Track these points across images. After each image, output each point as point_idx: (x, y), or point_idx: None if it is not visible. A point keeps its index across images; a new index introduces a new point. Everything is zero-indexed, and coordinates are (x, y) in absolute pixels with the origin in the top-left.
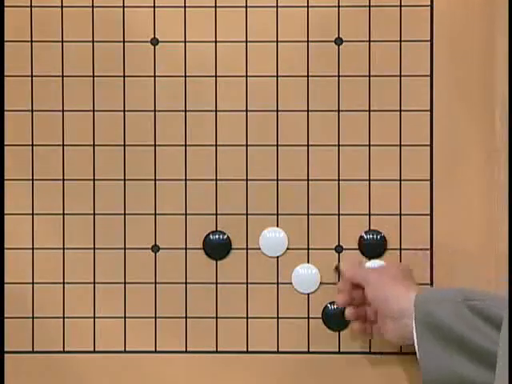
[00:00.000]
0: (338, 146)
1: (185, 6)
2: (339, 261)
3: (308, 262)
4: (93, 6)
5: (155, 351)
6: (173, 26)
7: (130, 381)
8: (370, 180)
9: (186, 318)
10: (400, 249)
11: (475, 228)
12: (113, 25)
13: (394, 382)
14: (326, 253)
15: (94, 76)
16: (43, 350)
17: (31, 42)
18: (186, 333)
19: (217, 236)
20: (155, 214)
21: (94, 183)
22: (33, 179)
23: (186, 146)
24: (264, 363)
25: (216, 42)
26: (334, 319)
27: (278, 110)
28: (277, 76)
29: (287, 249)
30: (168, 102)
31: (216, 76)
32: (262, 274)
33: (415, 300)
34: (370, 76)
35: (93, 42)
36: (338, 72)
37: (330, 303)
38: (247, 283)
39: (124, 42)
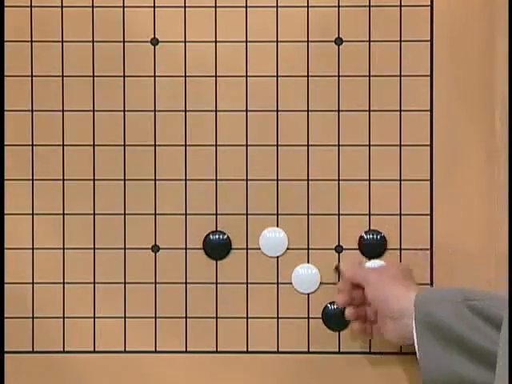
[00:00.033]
0: (338, 146)
1: (185, 6)
2: (339, 261)
3: (308, 262)
4: (93, 6)
5: (155, 351)
6: (173, 26)
7: (130, 381)
8: (369, 180)
9: (186, 317)
10: (400, 249)
11: (475, 228)
12: (113, 25)
13: (394, 382)
14: (326, 253)
15: (94, 76)
16: (43, 350)
17: (31, 42)
18: (186, 333)
19: (217, 236)
20: (155, 214)
21: (94, 183)
22: (33, 179)
23: (185, 145)
24: (264, 363)
25: (216, 41)
26: (334, 319)
27: (277, 110)
28: (277, 76)
29: (287, 249)
30: (168, 102)
31: (216, 76)
32: (262, 273)
33: (415, 300)
34: (369, 76)
35: (93, 42)
36: (338, 72)
37: (330, 303)
38: (247, 283)
39: (124, 41)
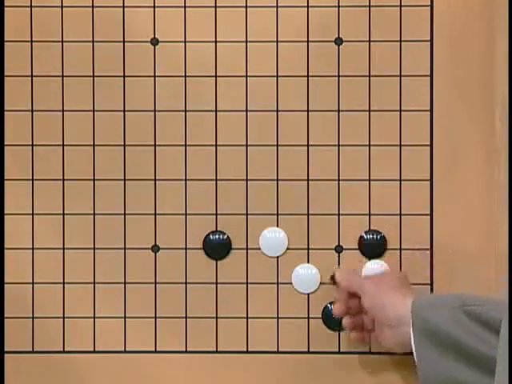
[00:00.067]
0: (338, 145)
1: (185, 6)
2: (339, 261)
3: (308, 262)
4: (93, 6)
5: (155, 351)
6: (173, 26)
7: (130, 381)
8: (369, 180)
9: (186, 317)
10: (400, 249)
11: (475, 228)
12: (113, 25)
13: (394, 382)
14: (326, 253)
15: (94, 76)
16: (43, 350)
17: (31, 42)
18: (186, 333)
19: (217, 236)
20: (155, 214)
21: (94, 183)
22: (33, 179)
23: (186, 145)
24: (264, 363)
25: (216, 41)
26: (334, 319)
27: (277, 110)
28: (277, 76)
29: (287, 249)
30: (168, 102)
31: (216, 76)
32: (262, 273)
33: (412, 306)
34: (369, 76)
35: (93, 42)
36: (338, 72)
37: (330, 303)
38: (247, 283)
39: (124, 41)
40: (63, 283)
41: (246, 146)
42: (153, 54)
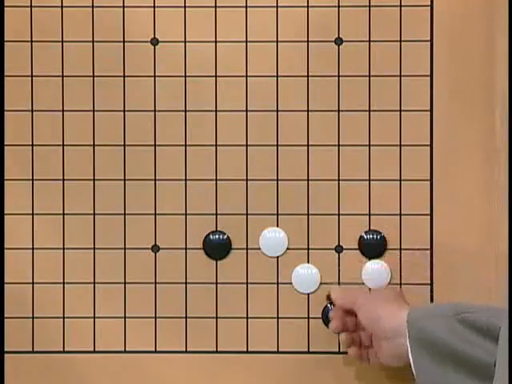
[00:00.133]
0: (338, 146)
1: (185, 6)
2: (339, 261)
3: (308, 262)
4: (93, 6)
5: (155, 351)
6: (173, 26)
7: (130, 381)
8: (370, 180)
9: (186, 317)
10: (400, 249)
11: (475, 228)
12: (113, 25)
13: (394, 382)
14: (326, 253)
15: (94, 76)
16: (43, 350)
17: (31, 42)
18: (186, 333)
19: (217, 236)
20: (155, 214)
21: (94, 183)
22: (33, 179)
23: (185, 146)
24: (264, 363)
25: (216, 42)
26: None
27: (277, 110)
28: (277, 76)
29: (287, 249)
30: (168, 102)
31: (216, 76)
32: (262, 273)
33: (407, 317)
34: (369, 76)
35: (93, 42)
36: (338, 72)
37: (330, 303)
38: (247, 283)
39: (124, 41)
40: (63, 283)
41: (246, 146)
42: (153, 54)
